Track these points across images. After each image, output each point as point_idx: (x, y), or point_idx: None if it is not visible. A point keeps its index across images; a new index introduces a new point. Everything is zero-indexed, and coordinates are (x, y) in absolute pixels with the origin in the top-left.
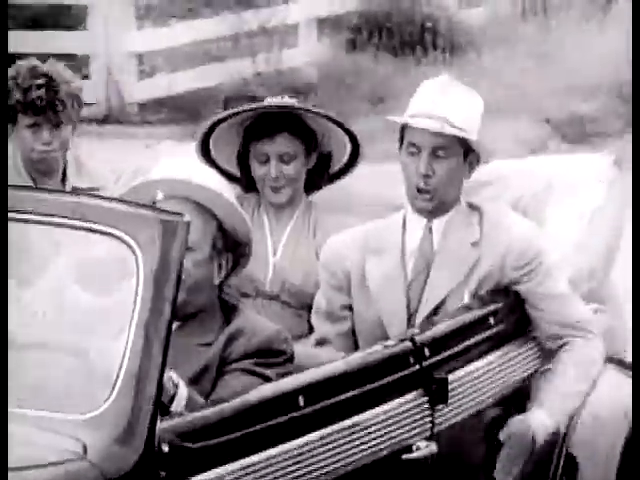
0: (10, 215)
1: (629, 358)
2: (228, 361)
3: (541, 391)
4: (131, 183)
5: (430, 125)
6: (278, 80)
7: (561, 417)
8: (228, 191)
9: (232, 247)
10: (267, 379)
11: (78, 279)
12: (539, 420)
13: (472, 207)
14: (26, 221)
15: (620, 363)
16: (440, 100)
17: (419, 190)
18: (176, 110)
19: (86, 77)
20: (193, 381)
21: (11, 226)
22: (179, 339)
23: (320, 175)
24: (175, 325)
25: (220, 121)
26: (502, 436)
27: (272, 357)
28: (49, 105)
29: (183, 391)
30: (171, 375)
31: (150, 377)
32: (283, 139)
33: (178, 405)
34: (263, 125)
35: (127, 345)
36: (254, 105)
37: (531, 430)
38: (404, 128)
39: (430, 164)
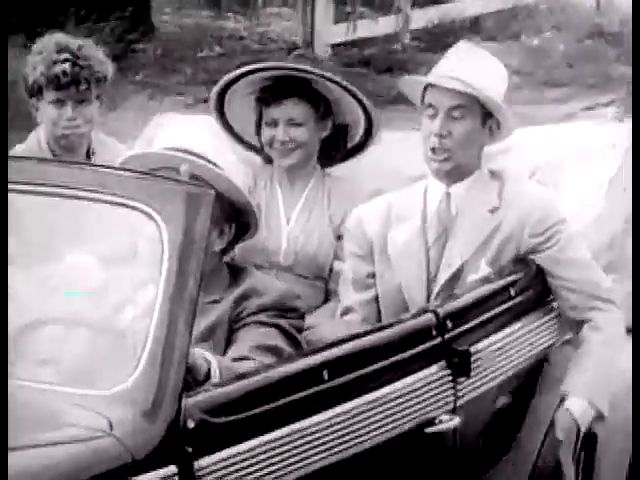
0: (30, 188)
1: None
2: (241, 317)
3: (575, 376)
4: (125, 155)
5: (443, 82)
6: None
7: (601, 402)
8: (223, 160)
9: (233, 216)
10: (280, 328)
11: (101, 253)
12: (582, 410)
13: (493, 174)
14: (47, 194)
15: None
16: (459, 63)
17: (434, 150)
18: None
19: None
20: (204, 337)
21: (32, 199)
22: None
23: (337, 148)
24: None
25: (230, 83)
26: (559, 434)
27: (286, 312)
28: (73, 81)
29: (214, 364)
30: (201, 352)
31: (176, 352)
32: (292, 103)
33: (214, 377)
34: (272, 90)
35: (152, 320)
36: (260, 65)
37: (577, 422)
38: (425, 92)
39: (446, 124)
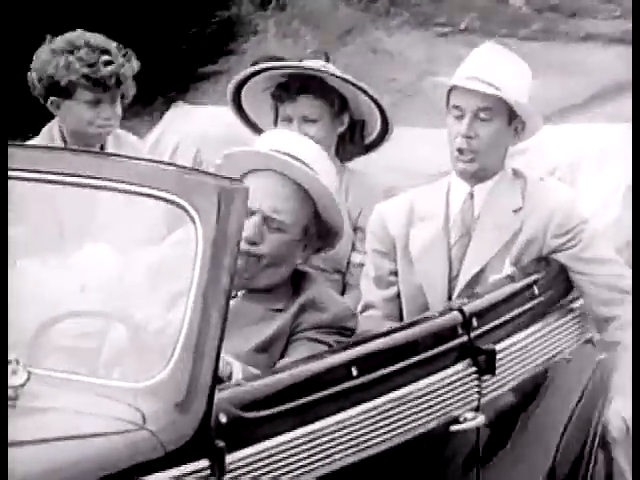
0: (61, 179)
1: None
2: (298, 330)
3: (617, 376)
4: (224, 152)
5: (472, 85)
6: None
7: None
8: (329, 175)
9: (324, 235)
10: (329, 346)
11: (134, 247)
12: (628, 408)
13: (516, 174)
14: (78, 185)
15: None
16: (485, 64)
17: (460, 151)
18: None
19: None
20: (264, 347)
21: (63, 190)
22: (249, 304)
23: (352, 143)
24: (245, 291)
25: (247, 79)
26: (615, 433)
27: (343, 332)
28: (116, 83)
29: (237, 367)
30: (225, 358)
31: (209, 346)
32: (306, 100)
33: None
34: (288, 88)
35: (185, 314)
36: (278, 63)
37: (625, 421)
38: (450, 92)
39: (473, 126)
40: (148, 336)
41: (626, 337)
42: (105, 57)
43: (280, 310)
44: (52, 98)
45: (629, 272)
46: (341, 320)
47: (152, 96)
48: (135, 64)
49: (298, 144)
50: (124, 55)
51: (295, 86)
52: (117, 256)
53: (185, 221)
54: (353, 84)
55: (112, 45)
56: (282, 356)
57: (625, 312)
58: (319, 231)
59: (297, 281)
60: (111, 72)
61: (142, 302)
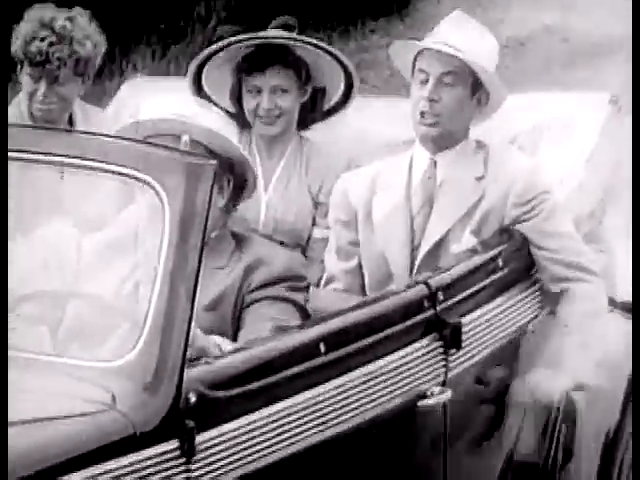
0: (26, 156)
1: (619, 296)
2: (249, 290)
3: (555, 351)
4: (119, 125)
5: (437, 46)
6: None
7: (582, 372)
8: (213, 119)
9: (229, 170)
10: (298, 305)
11: (98, 224)
12: (564, 387)
13: (479, 144)
14: (43, 162)
15: (618, 305)
16: (452, 31)
17: (423, 114)
18: None
19: None
20: (211, 306)
21: (28, 166)
22: None
23: (313, 111)
24: None
25: (212, 55)
26: (525, 405)
27: (296, 282)
28: (47, 61)
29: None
30: (214, 339)
31: (178, 325)
32: (275, 71)
33: None
34: (255, 58)
35: (153, 292)
36: (245, 36)
37: (556, 399)
38: (416, 58)
39: (436, 90)
40: (115, 315)
41: (574, 309)
42: (43, 33)
43: (220, 268)
44: (17, 67)
45: (587, 250)
46: (291, 268)
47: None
48: (89, 46)
49: (180, 103)
50: (70, 37)
51: (265, 56)
52: (79, 233)
53: (152, 197)
54: (326, 50)
55: (73, 22)
56: (238, 318)
57: (578, 287)
58: (222, 168)
59: (238, 242)
60: (40, 48)
61: (105, 278)
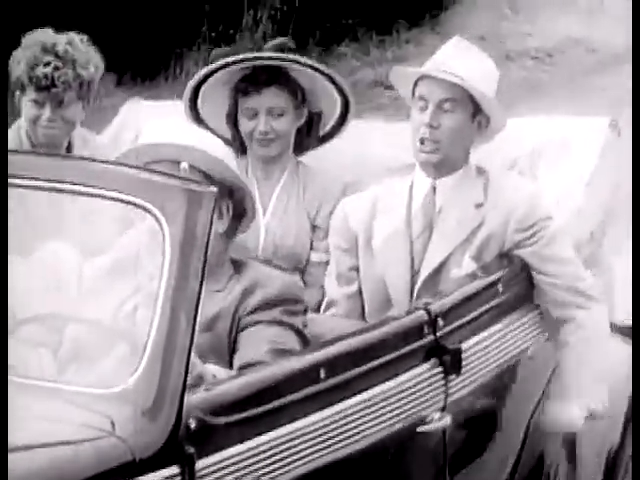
0: (35, 183)
1: (618, 318)
2: (245, 312)
3: (565, 378)
4: (118, 147)
5: (437, 73)
6: None
7: (593, 401)
8: (211, 146)
9: (228, 194)
10: (294, 328)
11: (99, 250)
12: (580, 416)
13: (479, 170)
14: (43, 189)
15: (618, 329)
16: (452, 58)
17: (422, 141)
18: None
19: None
20: (208, 327)
21: (34, 195)
22: None
23: (309, 136)
24: None
25: (207, 77)
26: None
27: (292, 305)
28: (53, 85)
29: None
30: (211, 369)
31: (178, 351)
32: (271, 93)
33: None
34: (250, 80)
35: (154, 318)
36: (241, 57)
37: (569, 426)
38: (416, 84)
39: (436, 116)
40: (115, 338)
41: (574, 339)
42: (47, 58)
43: (219, 290)
44: (16, 93)
45: (588, 274)
46: (288, 291)
47: None
48: (92, 70)
49: (179, 128)
50: (73, 61)
51: (262, 78)
52: (80, 256)
53: (152, 224)
54: (322, 72)
55: (73, 46)
56: (234, 341)
57: (580, 314)
58: (221, 193)
59: (236, 267)
60: (45, 73)
61: (104, 303)
